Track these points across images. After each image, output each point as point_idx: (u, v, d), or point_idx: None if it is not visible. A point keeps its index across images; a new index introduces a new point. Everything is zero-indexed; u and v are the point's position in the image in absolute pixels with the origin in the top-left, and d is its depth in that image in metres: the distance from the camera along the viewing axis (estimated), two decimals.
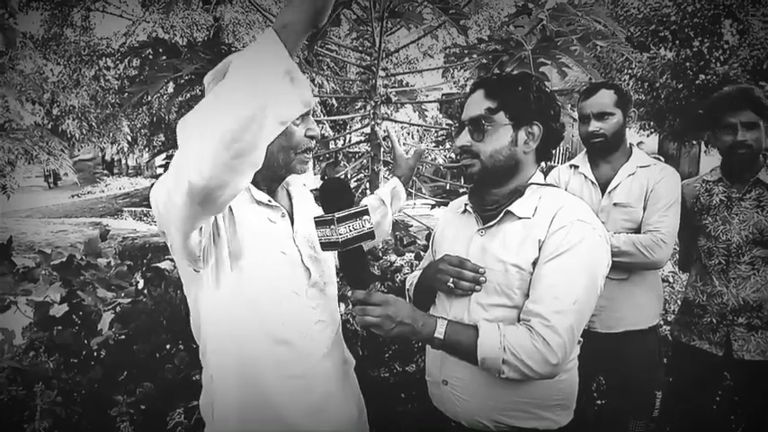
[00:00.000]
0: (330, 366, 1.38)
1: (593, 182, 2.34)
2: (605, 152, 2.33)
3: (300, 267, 1.35)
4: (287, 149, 1.31)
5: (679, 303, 3.58)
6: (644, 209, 2.23)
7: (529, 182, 1.44)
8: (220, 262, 1.26)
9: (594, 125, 2.27)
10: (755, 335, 2.11)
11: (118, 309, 2.44)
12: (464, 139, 1.43)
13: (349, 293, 1.39)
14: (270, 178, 1.36)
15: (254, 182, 1.33)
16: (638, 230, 2.24)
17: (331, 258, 1.48)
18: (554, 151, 1.54)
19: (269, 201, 1.34)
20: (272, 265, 1.30)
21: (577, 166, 2.42)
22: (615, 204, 2.27)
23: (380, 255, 3.14)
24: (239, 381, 1.29)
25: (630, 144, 2.38)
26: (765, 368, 2.10)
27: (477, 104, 1.41)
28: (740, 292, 2.13)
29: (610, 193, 2.30)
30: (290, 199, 1.45)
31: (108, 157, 25.12)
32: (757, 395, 2.16)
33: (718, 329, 2.17)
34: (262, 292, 1.28)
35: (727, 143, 2.12)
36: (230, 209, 1.27)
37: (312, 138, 1.34)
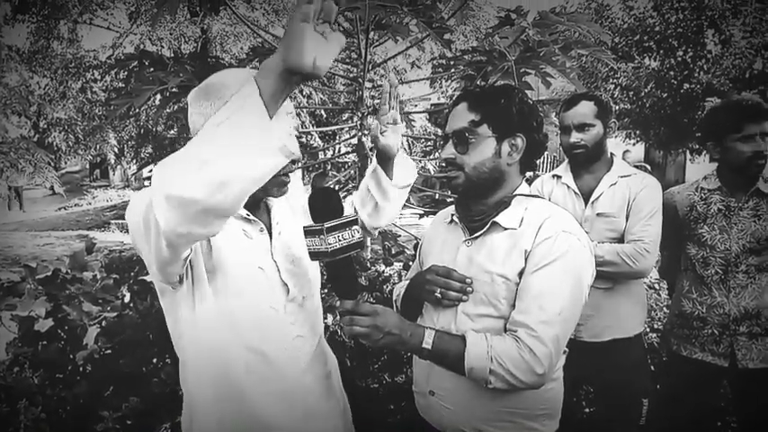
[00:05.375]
0: (310, 381, 1.37)
1: (576, 192, 2.36)
2: (587, 163, 2.35)
3: (278, 283, 1.34)
4: None
5: (665, 311, 3.63)
6: (626, 218, 2.25)
7: (515, 193, 1.45)
8: (197, 280, 1.24)
9: (575, 136, 2.29)
10: (756, 342, 2.11)
11: (104, 323, 2.42)
12: (448, 151, 1.44)
13: (337, 304, 1.38)
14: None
15: None
16: (621, 240, 2.26)
17: (312, 271, 1.46)
18: (540, 160, 1.56)
19: (247, 215, 1.32)
20: (250, 282, 1.28)
21: (560, 177, 2.44)
22: (598, 214, 2.29)
23: (369, 265, 3.14)
24: (218, 398, 1.28)
25: (612, 154, 2.40)
26: (766, 374, 2.10)
27: (461, 117, 1.43)
28: (740, 302, 2.13)
29: (593, 203, 2.31)
30: (268, 213, 1.43)
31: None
32: (756, 401, 2.16)
33: (722, 340, 2.16)
34: (239, 308, 1.26)
35: (745, 154, 2.07)
36: None
37: (293, 161, 1.29)
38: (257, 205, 1.39)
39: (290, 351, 1.34)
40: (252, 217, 1.33)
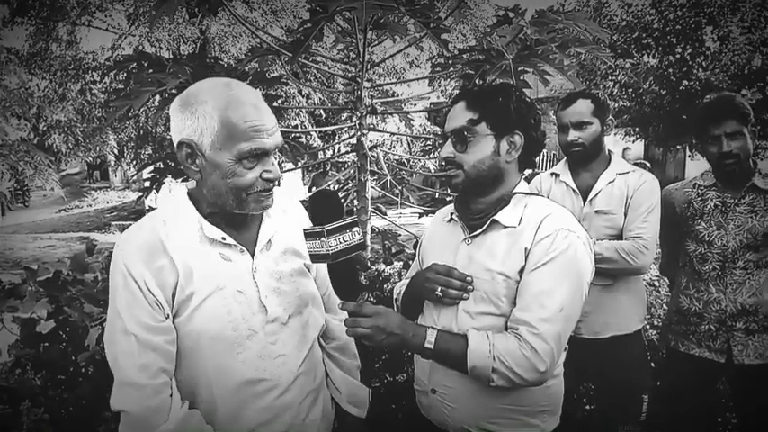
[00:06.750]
0: (291, 399, 1.33)
1: (574, 190, 2.37)
2: (585, 160, 2.36)
3: (258, 305, 1.28)
4: (237, 191, 1.21)
5: (665, 308, 3.63)
6: (625, 215, 2.26)
7: (514, 191, 1.46)
8: (176, 308, 1.24)
9: (573, 134, 2.30)
10: (753, 339, 2.12)
11: (105, 324, 2.42)
12: (448, 150, 1.45)
13: (339, 304, 1.37)
14: (228, 212, 1.27)
15: (209, 215, 1.27)
16: (619, 237, 2.26)
17: (303, 287, 1.40)
18: (539, 158, 1.56)
19: (222, 238, 1.26)
20: (227, 306, 1.24)
21: (558, 175, 2.44)
22: (597, 212, 2.30)
23: (369, 264, 3.15)
24: (204, 418, 1.27)
25: (609, 151, 2.41)
26: (762, 371, 2.11)
27: (459, 116, 1.43)
28: (737, 297, 2.13)
29: (591, 200, 2.32)
30: (259, 226, 1.35)
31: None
32: (754, 398, 2.17)
33: (718, 336, 2.16)
34: (218, 333, 1.23)
35: (714, 155, 2.12)
36: (172, 259, 1.22)
37: (269, 180, 1.24)
38: (243, 220, 1.32)
39: (270, 371, 1.30)
40: (228, 240, 1.27)
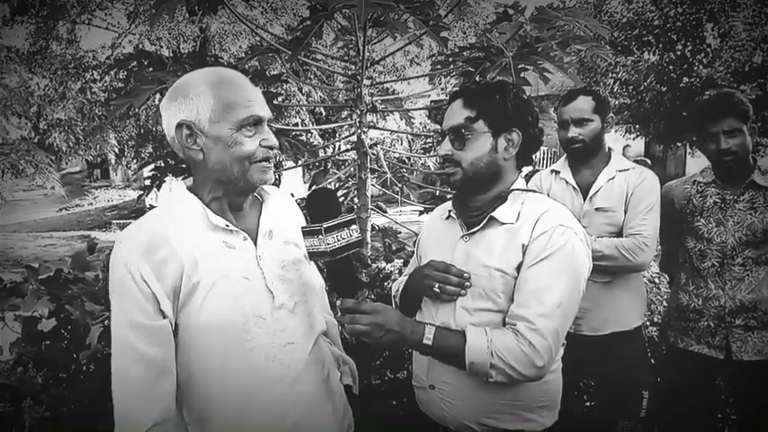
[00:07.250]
0: (302, 390, 1.33)
1: (574, 187, 2.37)
2: (585, 158, 2.36)
3: (264, 291, 1.30)
4: (240, 160, 1.24)
5: (665, 305, 3.64)
6: (625, 212, 2.26)
7: (511, 188, 1.47)
8: (182, 301, 1.24)
9: (573, 131, 2.30)
10: (752, 335, 2.12)
11: (106, 322, 2.43)
12: (446, 147, 1.46)
13: (338, 302, 1.38)
14: (231, 192, 1.30)
15: (212, 202, 1.29)
16: (619, 234, 2.27)
17: (307, 275, 1.42)
18: (539, 155, 1.57)
19: (226, 225, 1.27)
20: (233, 293, 1.25)
21: (558, 172, 2.45)
22: (597, 209, 2.30)
23: (369, 262, 3.15)
24: (208, 412, 1.28)
25: (610, 148, 2.41)
26: (761, 367, 2.12)
27: (457, 114, 1.44)
28: (736, 294, 2.13)
29: (591, 197, 2.32)
30: (259, 214, 1.37)
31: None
32: (753, 394, 2.17)
33: (717, 332, 2.17)
34: (227, 321, 1.24)
35: (712, 152, 2.13)
36: (175, 250, 1.21)
37: (269, 147, 1.27)
38: (245, 205, 1.35)
39: (280, 359, 1.30)
40: (232, 227, 1.28)
